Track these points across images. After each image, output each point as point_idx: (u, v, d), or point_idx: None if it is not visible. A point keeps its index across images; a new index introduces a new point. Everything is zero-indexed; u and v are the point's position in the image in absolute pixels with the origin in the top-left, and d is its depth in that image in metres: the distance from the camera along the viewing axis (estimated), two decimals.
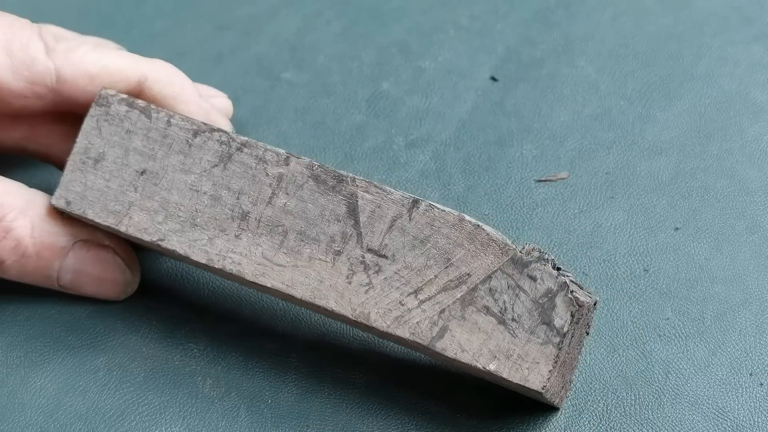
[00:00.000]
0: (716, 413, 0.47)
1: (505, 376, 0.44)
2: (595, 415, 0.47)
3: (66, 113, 0.51)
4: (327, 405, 0.48)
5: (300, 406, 0.48)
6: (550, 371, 0.44)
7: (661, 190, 0.54)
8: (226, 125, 0.54)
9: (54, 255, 0.50)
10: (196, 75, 0.57)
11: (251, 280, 0.47)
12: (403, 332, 0.45)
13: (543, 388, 0.44)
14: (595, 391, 0.48)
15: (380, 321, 0.45)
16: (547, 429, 0.47)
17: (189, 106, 0.51)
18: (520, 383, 0.44)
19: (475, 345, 0.44)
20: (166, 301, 0.51)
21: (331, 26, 0.62)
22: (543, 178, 0.55)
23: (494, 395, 0.47)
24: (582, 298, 0.44)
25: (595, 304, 0.45)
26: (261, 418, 0.47)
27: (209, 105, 0.53)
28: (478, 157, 0.56)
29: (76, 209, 0.49)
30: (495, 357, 0.44)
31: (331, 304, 0.46)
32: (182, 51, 0.62)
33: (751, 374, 0.48)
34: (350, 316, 0.46)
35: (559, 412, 0.47)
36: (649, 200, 0.54)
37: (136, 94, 0.50)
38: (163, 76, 0.51)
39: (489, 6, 0.63)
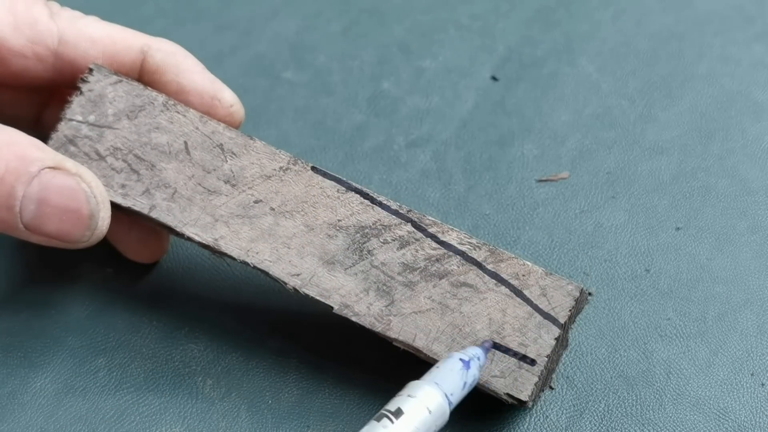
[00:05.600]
0: (717, 414, 0.47)
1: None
2: (597, 414, 0.47)
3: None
4: (327, 405, 0.48)
5: (300, 406, 0.47)
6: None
7: (663, 189, 0.54)
8: (230, 96, 0.52)
9: (18, 180, 0.47)
10: None
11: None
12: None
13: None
14: (596, 391, 0.48)
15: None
16: (547, 428, 0.47)
17: (193, 75, 0.50)
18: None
19: None
20: (167, 301, 0.51)
21: (332, 25, 0.62)
22: (544, 178, 0.55)
23: (494, 395, 0.47)
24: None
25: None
26: (261, 419, 0.47)
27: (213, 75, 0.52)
28: (478, 157, 0.56)
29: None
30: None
31: None
32: None
33: (752, 375, 0.48)
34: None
35: (561, 412, 0.47)
36: (651, 200, 0.54)
37: (139, 63, 0.50)
38: (166, 47, 0.51)
39: (490, 5, 0.63)
